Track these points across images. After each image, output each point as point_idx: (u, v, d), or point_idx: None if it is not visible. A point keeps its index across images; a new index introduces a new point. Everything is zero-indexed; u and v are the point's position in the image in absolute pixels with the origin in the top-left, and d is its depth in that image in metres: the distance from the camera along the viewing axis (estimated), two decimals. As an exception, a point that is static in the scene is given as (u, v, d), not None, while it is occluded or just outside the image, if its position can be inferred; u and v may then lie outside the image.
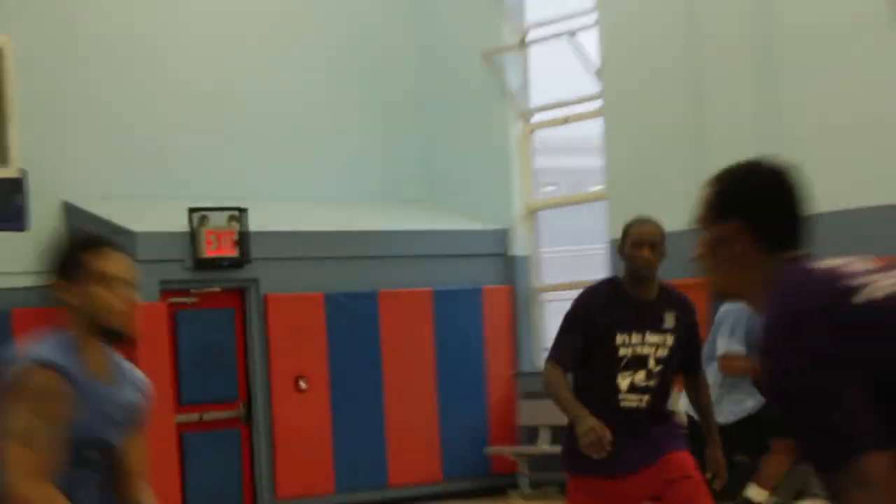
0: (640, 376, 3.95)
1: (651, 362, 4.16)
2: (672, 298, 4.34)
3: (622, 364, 4.05)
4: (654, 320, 4.19)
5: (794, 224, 1.61)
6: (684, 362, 4.33)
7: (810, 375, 1.39)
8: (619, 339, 4.06)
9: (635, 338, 4.08)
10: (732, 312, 6.97)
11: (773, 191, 1.62)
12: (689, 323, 4.33)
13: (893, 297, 1.42)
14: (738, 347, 6.93)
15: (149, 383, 2.73)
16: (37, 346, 2.48)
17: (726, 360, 6.97)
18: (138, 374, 2.70)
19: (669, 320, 4.25)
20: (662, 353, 4.20)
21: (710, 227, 1.65)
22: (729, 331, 7.03)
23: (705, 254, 1.67)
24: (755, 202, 1.61)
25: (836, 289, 1.45)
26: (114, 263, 2.53)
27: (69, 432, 2.40)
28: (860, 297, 1.41)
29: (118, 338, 2.53)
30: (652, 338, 4.18)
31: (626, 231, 4.27)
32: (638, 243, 4.23)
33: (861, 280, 1.44)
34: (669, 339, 4.21)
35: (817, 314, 1.42)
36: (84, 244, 2.61)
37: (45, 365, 2.39)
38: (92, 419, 2.45)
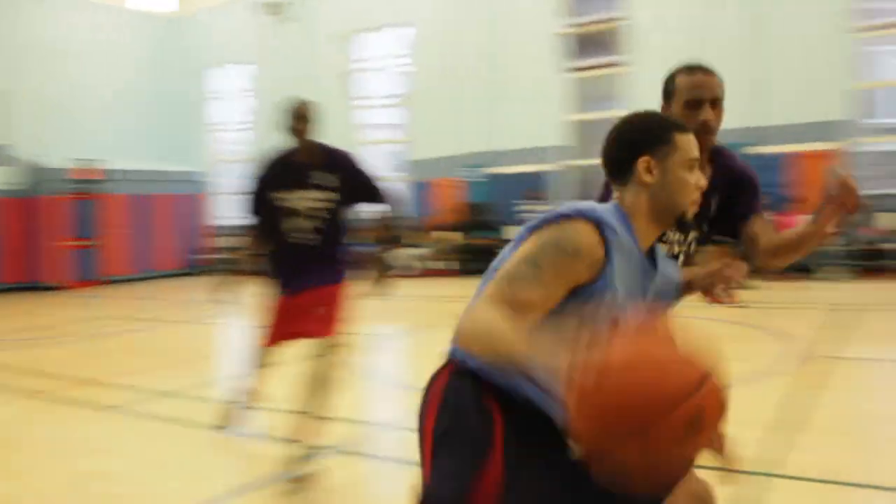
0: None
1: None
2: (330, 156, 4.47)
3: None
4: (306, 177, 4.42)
5: None
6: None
7: None
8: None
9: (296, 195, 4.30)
10: None
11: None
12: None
13: None
14: None
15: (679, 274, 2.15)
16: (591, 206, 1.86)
17: None
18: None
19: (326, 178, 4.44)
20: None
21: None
22: None
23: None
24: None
25: None
26: (696, 147, 1.93)
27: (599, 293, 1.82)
28: None
29: (678, 222, 1.94)
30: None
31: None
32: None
33: None
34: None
35: None
36: (677, 126, 1.94)
37: (589, 219, 1.81)
38: (633, 286, 1.90)
